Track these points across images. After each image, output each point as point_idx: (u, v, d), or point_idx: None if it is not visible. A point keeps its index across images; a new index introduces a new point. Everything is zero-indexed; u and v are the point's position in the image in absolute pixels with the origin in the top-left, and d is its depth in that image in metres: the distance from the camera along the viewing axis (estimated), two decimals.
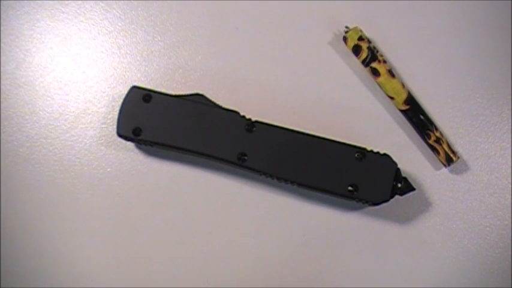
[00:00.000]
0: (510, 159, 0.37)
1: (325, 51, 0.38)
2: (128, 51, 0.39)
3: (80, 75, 0.39)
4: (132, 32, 0.39)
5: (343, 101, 0.38)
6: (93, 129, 0.38)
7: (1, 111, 0.38)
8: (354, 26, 0.37)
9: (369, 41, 0.37)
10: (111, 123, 0.38)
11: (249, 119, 0.35)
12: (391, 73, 0.37)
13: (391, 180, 0.34)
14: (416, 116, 0.37)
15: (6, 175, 0.38)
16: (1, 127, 0.38)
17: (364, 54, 0.37)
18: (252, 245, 0.37)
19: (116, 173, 0.38)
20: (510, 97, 0.38)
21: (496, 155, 0.37)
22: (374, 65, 0.37)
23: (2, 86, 0.39)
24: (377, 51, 0.37)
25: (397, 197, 0.34)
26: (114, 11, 0.40)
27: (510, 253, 0.36)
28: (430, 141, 0.36)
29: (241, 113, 0.35)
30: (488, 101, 0.38)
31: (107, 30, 0.39)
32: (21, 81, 0.39)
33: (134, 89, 0.36)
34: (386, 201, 0.34)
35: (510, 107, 0.38)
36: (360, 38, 0.37)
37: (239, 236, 0.37)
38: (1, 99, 0.38)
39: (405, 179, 0.34)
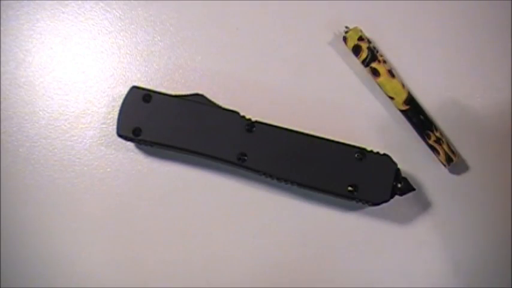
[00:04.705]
0: (510, 159, 0.37)
1: (325, 51, 0.38)
2: (128, 51, 0.39)
3: (80, 75, 0.39)
4: (132, 32, 0.39)
5: (343, 101, 0.38)
6: (93, 129, 0.38)
7: (1, 111, 0.38)
8: (354, 26, 0.37)
9: (369, 41, 0.37)
10: (111, 123, 0.38)
11: (249, 119, 0.35)
12: (391, 73, 0.37)
13: (391, 180, 0.34)
14: (416, 116, 0.37)
15: (6, 175, 0.38)
16: (1, 127, 0.38)
17: (364, 54, 0.37)
18: (252, 245, 0.37)
19: (116, 173, 0.38)
20: (510, 97, 0.38)
21: (496, 155, 0.37)
22: (374, 65, 0.37)
23: (2, 86, 0.39)
24: (377, 51, 0.37)
25: (397, 197, 0.34)
26: (114, 11, 0.40)
27: (510, 253, 0.36)
28: (430, 141, 0.36)
29: (241, 113, 0.35)
30: (488, 101, 0.38)
31: (107, 30, 0.39)
32: (21, 81, 0.39)
33: (134, 89, 0.36)
34: (386, 201, 0.34)
35: (510, 107, 0.38)
36: (360, 38, 0.37)
37: (239, 236, 0.37)
38: (1, 99, 0.38)
39: (405, 179, 0.34)
